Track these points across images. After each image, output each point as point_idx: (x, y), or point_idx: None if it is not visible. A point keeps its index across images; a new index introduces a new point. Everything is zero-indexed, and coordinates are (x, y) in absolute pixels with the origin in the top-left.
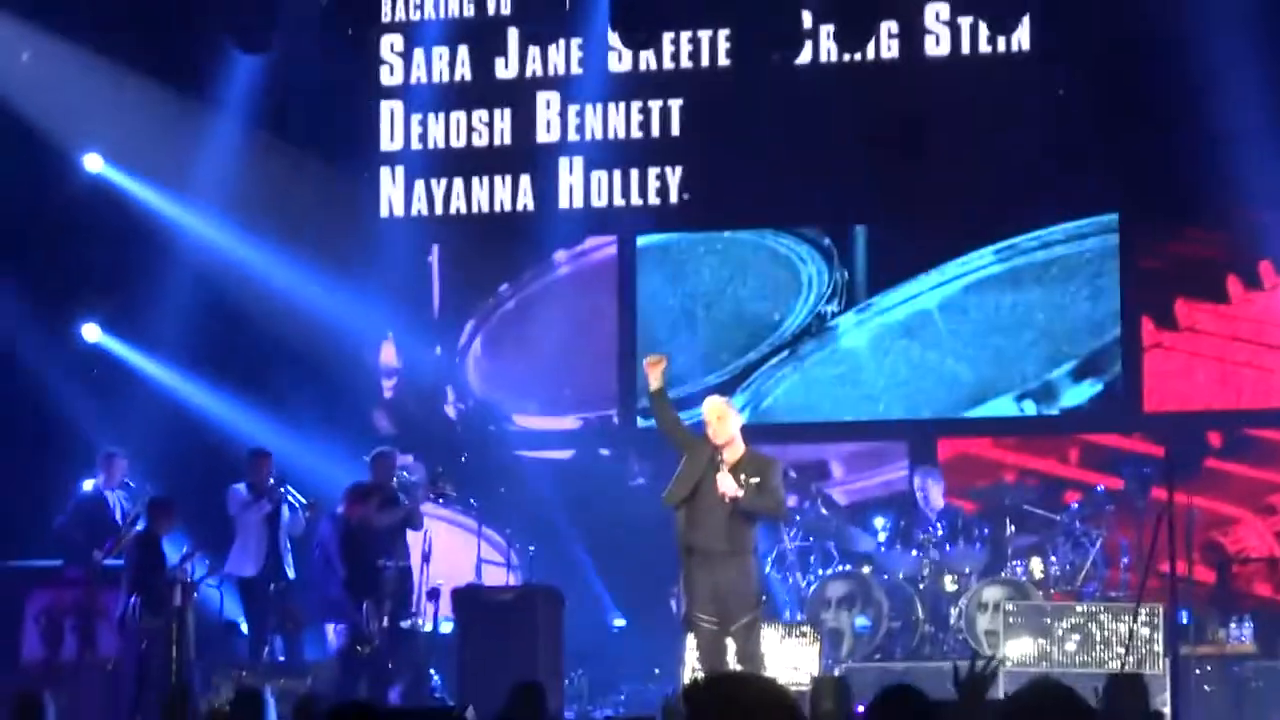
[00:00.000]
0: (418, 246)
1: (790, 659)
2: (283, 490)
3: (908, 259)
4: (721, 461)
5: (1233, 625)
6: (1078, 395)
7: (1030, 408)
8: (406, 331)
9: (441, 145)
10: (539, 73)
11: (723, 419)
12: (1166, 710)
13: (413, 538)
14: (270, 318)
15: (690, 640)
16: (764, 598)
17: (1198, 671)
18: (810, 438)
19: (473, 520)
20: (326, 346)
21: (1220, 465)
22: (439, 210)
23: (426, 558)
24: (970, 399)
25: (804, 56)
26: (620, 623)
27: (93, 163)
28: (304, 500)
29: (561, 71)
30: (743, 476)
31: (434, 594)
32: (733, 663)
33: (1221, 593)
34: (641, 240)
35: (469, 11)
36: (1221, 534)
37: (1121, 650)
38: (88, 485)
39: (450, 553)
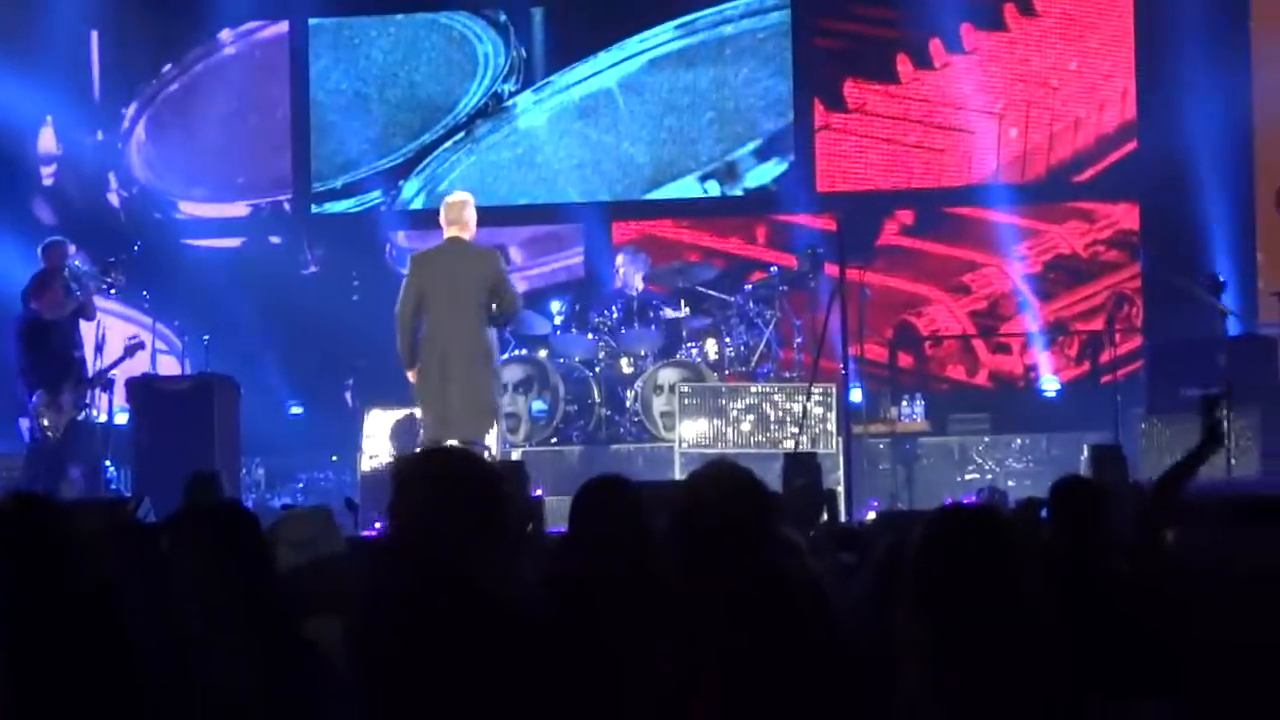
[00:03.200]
0: (77, 27)
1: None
2: None
3: (587, 36)
4: None
5: (904, 404)
6: (761, 176)
7: (714, 188)
8: (65, 116)
9: None
10: None
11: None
12: (840, 488)
13: (85, 328)
14: None
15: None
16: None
17: (870, 450)
18: (487, 222)
19: (144, 312)
20: None
21: (912, 244)
22: None
23: (100, 349)
24: (650, 181)
25: None
26: (297, 410)
27: None
28: None
29: None
30: None
31: (108, 385)
32: None
33: (901, 372)
34: (312, 21)
35: None
36: (915, 314)
37: (795, 430)
38: None
39: (123, 343)
